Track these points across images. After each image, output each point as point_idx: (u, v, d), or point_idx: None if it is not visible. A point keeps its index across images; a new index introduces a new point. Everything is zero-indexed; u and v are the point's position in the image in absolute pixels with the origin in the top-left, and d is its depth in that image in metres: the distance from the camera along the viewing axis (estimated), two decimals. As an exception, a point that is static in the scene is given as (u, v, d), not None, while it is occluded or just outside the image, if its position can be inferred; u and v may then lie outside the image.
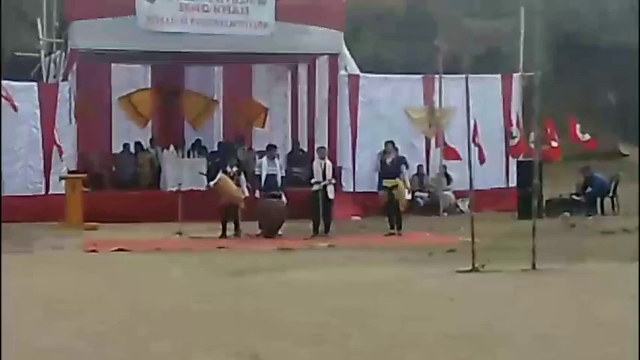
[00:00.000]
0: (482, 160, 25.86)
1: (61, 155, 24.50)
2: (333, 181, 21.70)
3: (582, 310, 10.89)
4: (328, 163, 21.81)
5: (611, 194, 26.15)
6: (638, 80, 38.32)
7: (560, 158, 26.55)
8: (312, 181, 21.45)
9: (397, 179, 21.48)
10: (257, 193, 21.52)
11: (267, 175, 21.42)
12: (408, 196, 22.32)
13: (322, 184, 21.30)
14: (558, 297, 11.97)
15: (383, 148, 22.71)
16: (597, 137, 28.07)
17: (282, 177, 21.82)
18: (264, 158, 22.00)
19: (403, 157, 23.13)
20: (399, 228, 21.34)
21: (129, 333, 9.79)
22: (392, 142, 22.41)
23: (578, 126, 26.84)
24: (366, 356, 8.76)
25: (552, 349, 8.89)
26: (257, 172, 21.83)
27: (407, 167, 22.67)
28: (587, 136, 26.99)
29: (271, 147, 22.56)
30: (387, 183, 21.58)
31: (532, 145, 25.14)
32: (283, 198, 21.36)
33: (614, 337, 9.41)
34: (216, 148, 28.62)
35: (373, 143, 25.63)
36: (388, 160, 21.93)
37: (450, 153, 26.15)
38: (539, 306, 11.32)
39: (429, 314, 10.75)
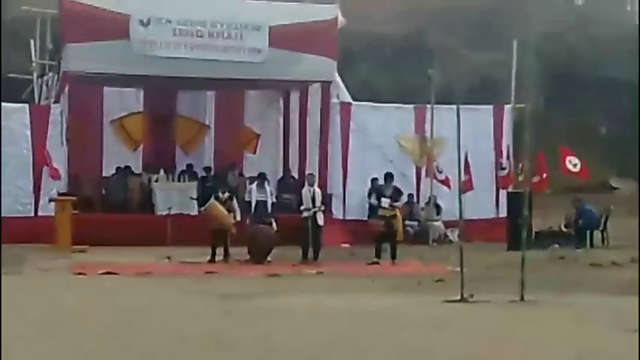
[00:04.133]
0: (469, 188, 25.19)
1: (59, 177, 24.36)
2: (323, 207, 21.68)
3: (570, 341, 10.88)
4: (317, 189, 21.80)
5: (601, 227, 26.10)
6: (638, 113, 38.36)
7: (549, 190, 26.41)
8: (302, 207, 21.45)
9: (393, 209, 21.41)
10: (247, 220, 21.51)
11: (257, 202, 21.43)
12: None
13: (312, 210, 21.29)
14: (546, 328, 11.96)
15: (372, 176, 22.59)
16: (588, 169, 27.68)
17: (272, 203, 21.81)
18: (254, 184, 22.02)
19: (396, 188, 22.76)
20: (394, 257, 21.23)
21: (118, 356, 9.74)
22: (390, 174, 22.20)
23: (568, 158, 26.49)
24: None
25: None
26: (247, 199, 21.85)
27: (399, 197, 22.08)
28: (578, 166, 26.08)
29: (261, 174, 22.60)
30: (385, 212, 21.45)
31: (520, 178, 25.13)
32: (273, 224, 21.35)
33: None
34: (205, 174, 28.57)
35: (363, 171, 25.74)
36: (388, 191, 21.73)
37: (445, 183, 25.96)
38: (527, 337, 11.31)
39: (417, 343, 10.73)
